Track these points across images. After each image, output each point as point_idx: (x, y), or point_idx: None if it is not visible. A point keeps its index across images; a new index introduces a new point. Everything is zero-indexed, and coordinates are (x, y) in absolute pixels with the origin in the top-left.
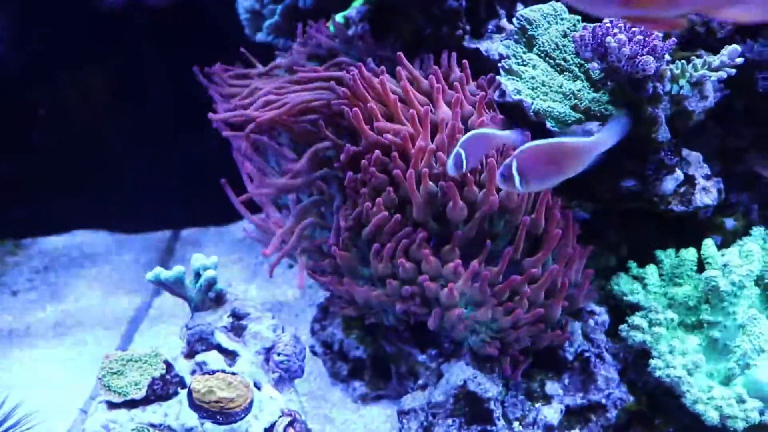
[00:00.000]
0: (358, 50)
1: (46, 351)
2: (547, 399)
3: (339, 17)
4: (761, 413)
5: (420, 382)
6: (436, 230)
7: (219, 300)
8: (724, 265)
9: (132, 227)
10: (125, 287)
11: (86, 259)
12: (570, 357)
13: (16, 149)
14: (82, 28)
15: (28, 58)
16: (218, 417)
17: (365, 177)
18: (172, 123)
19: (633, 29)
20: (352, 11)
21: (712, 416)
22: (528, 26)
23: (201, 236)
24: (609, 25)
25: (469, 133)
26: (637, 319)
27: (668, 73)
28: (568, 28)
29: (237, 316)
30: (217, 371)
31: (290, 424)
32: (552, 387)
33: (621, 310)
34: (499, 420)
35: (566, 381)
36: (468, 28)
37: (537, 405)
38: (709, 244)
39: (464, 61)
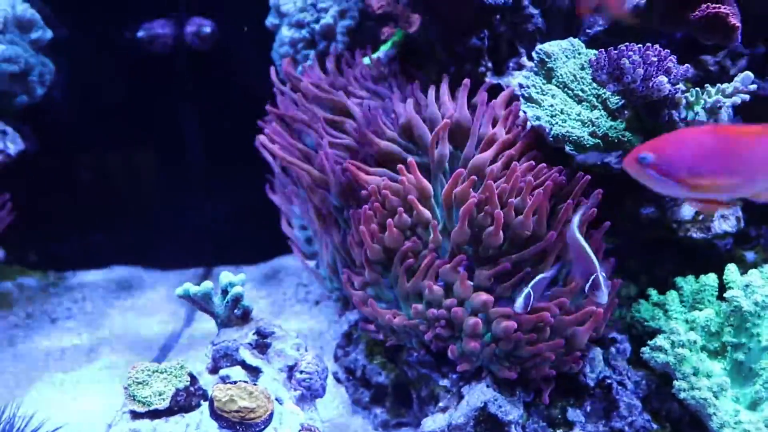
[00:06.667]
0: (389, 88)
1: (79, 373)
2: (569, 425)
3: (366, 60)
4: None
5: (441, 404)
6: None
7: (245, 317)
8: (746, 286)
9: (167, 264)
10: (158, 318)
11: (122, 292)
12: (591, 383)
13: (62, 188)
14: (129, 70)
15: (77, 101)
16: (238, 427)
17: (376, 199)
18: (209, 165)
19: (647, 52)
20: (380, 53)
21: None
22: (547, 59)
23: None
24: (623, 48)
25: (538, 277)
26: (659, 340)
27: (683, 101)
28: (585, 62)
29: (262, 334)
30: (239, 381)
31: None
32: (574, 413)
33: (642, 340)
34: None
35: (588, 408)
36: (490, 65)
37: (558, 431)
38: (732, 269)
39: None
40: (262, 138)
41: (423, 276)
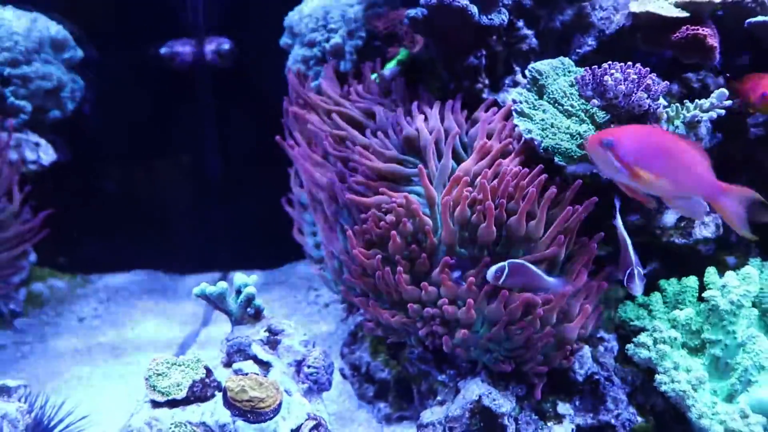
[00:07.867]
0: (393, 102)
1: (104, 368)
2: (559, 418)
3: (373, 76)
4: (765, 428)
5: (439, 398)
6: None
7: (257, 315)
8: (723, 286)
9: (186, 268)
10: (177, 319)
11: (144, 294)
12: (580, 379)
13: (90, 197)
14: (152, 86)
15: (105, 115)
16: (249, 415)
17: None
18: (226, 176)
19: (628, 70)
20: (386, 71)
21: (716, 431)
22: (539, 77)
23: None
24: (607, 66)
25: (520, 260)
26: (642, 337)
27: (665, 115)
28: (575, 79)
29: (273, 331)
30: (251, 374)
31: (315, 427)
32: (563, 407)
33: (629, 339)
34: None
35: (577, 402)
36: (487, 82)
37: (549, 423)
38: (711, 272)
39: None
40: (297, 150)
41: (395, 292)
